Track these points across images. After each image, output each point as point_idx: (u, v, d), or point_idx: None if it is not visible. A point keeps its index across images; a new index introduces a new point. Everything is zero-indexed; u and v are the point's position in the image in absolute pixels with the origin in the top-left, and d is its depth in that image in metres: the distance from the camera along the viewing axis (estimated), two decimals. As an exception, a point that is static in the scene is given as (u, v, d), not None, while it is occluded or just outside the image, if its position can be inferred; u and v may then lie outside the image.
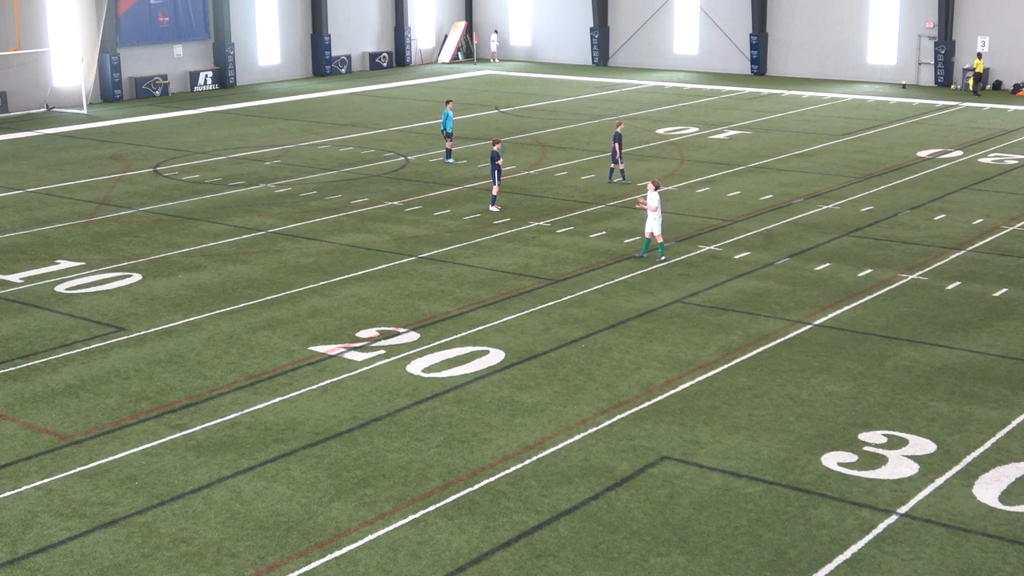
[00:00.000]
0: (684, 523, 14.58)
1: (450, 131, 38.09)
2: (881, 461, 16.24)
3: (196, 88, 57.75)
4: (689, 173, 36.32)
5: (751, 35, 61.27)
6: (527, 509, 14.93)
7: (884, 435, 17.11)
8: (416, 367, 19.96)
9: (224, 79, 58.67)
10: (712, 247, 27.51)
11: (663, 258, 26.29)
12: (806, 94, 54.32)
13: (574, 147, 40.95)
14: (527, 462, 16.29)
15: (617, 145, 34.30)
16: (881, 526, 14.46)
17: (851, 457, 16.38)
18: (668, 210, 30.10)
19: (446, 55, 69.28)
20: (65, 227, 30.15)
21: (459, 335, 21.56)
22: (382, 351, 20.77)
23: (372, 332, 21.76)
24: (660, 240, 26.29)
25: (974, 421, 17.64)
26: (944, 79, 56.64)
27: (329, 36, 62.88)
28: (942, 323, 22.15)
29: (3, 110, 50.46)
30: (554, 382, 19.30)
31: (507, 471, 16.01)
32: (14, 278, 25.54)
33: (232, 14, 58.71)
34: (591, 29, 66.13)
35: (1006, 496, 15.23)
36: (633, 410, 18.10)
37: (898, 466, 16.08)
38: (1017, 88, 54.53)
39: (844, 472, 15.93)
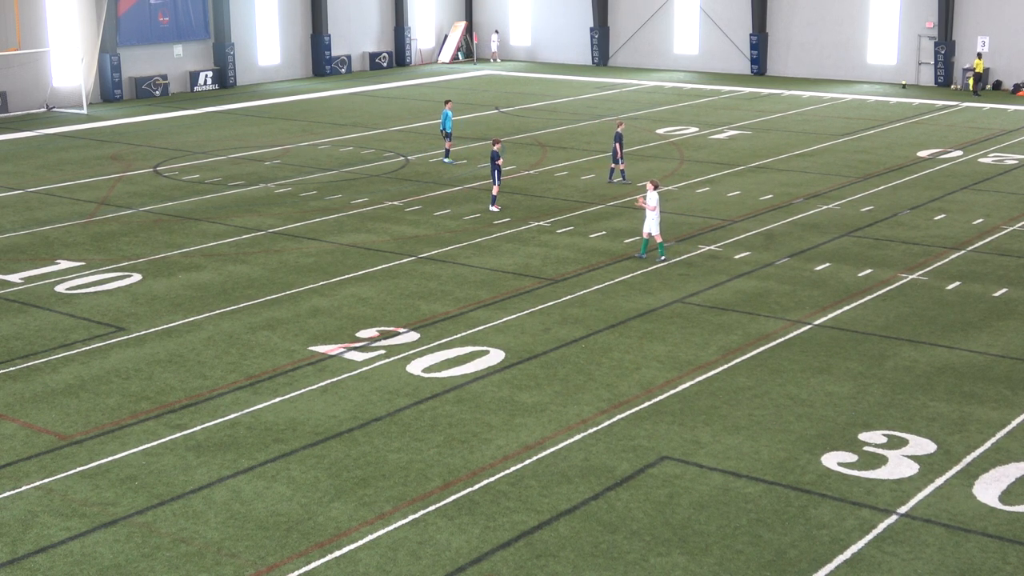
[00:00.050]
0: (684, 523, 14.58)
1: (449, 131, 38.09)
2: (881, 461, 16.24)
3: (196, 88, 57.75)
4: (689, 173, 36.32)
5: (751, 35, 61.27)
6: (527, 509, 14.93)
7: (884, 435, 17.11)
8: (416, 367, 19.96)
9: (224, 79, 58.67)
10: (712, 247, 27.51)
11: (663, 258, 26.30)
12: (806, 94, 54.31)
13: (574, 147, 40.94)
14: (527, 462, 16.29)
15: (618, 145, 34.30)
16: (881, 526, 14.45)
17: (851, 457, 16.38)
18: (668, 210, 30.10)
19: (446, 55, 69.27)
20: (65, 227, 30.15)
21: (459, 335, 21.56)
22: (382, 351, 20.77)
23: (372, 332, 21.75)
24: (659, 240, 26.31)
25: (974, 421, 17.64)
26: (944, 79, 56.64)
27: (329, 36, 62.88)
28: (942, 323, 22.15)
29: (3, 110, 50.46)
30: (554, 382, 19.30)
31: (507, 471, 16.01)
32: (14, 278, 25.54)
33: (232, 14, 58.71)
34: (591, 29, 66.13)
35: (1006, 496, 15.23)
36: (633, 410, 18.10)
37: (898, 466, 16.08)
38: (1017, 88, 54.53)
39: (844, 472, 15.92)
